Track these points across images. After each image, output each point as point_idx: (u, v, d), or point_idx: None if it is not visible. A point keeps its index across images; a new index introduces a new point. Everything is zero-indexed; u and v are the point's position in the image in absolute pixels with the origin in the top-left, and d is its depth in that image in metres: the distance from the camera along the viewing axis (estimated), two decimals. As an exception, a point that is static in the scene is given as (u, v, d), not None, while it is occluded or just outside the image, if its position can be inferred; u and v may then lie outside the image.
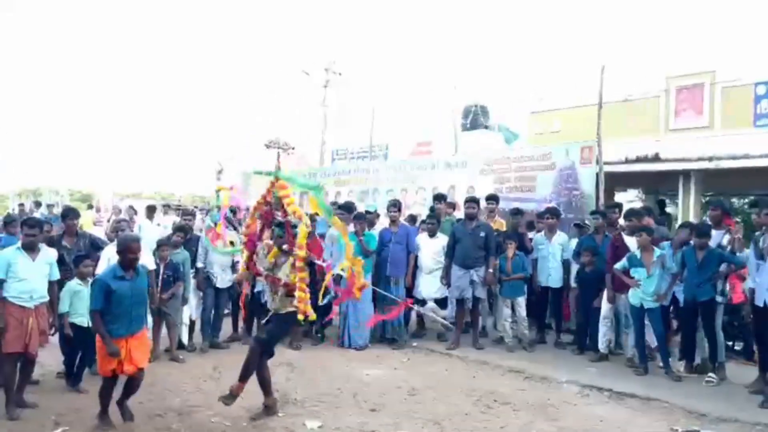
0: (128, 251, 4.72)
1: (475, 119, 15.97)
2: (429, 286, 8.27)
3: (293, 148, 5.60)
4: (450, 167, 12.59)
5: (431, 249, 8.34)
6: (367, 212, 8.52)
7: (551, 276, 8.14)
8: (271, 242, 5.29)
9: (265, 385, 5.18)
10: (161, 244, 7.12)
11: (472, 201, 8.32)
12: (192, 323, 7.70)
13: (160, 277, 6.93)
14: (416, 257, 8.31)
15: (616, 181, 11.75)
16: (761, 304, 5.83)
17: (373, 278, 7.83)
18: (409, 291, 8.24)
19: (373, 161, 15.98)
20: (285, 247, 5.12)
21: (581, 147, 10.03)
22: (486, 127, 16.06)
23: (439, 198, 9.71)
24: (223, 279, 7.66)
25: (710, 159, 10.73)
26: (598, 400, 5.87)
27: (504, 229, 8.62)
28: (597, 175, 9.48)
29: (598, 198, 9.33)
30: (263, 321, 5.31)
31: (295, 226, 5.07)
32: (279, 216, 5.27)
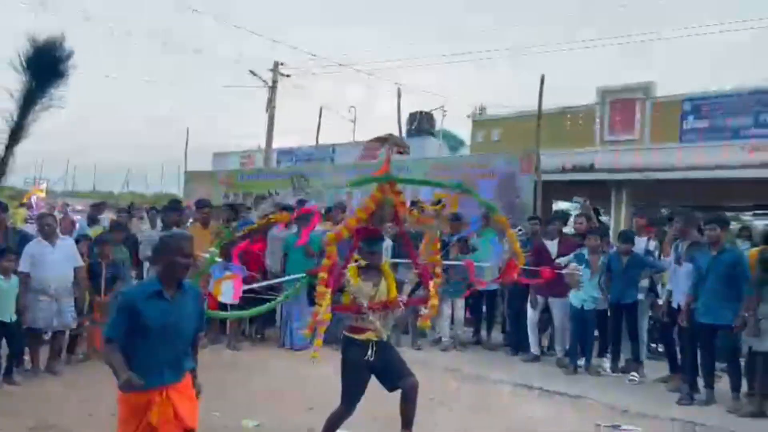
0: (177, 253, 3.06)
1: (420, 125, 16.25)
2: (370, 287, 8.38)
3: (407, 148, 4.98)
4: (395, 172, 12.79)
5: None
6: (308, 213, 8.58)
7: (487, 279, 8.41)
8: (357, 266, 4.21)
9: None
10: (103, 241, 6.96)
11: (413, 204, 8.47)
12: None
13: (103, 277, 6.77)
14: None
15: (554, 191, 12.21)
16: (676, 306, 6.24)
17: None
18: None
19: (319, 164, 16.02)
20: (377, 258, 4.20)
21: (521, 156, 10.42)
22: (431, 134, 16.36)
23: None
24: None
25: (640, 171, 11.32)
26: (528, 399, 6.12)
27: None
28: (535, 183, 9.85)
29: (535, 206, 9.69)
30: (366, 358, 4.10)
31: (415, 236, 4.56)
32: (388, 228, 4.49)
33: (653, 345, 7.75)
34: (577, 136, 12.78)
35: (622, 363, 7.07)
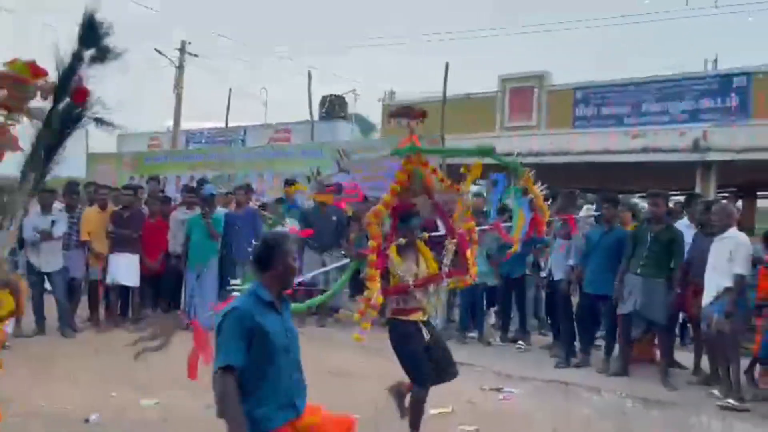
0: (291, 257, 2.76)
1: (331, 109, 16.36)
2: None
3: (424, 114, 4.41)
4: (306, 155, 12.91)
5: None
6: (211, 195, 8.57)
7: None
8: (396, 244, 4.10)
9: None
10: None
11: (323, 185, 8.79)
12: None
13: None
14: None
15: (458, 175, 12.74)
16: (555, 279, 6.82)
17: (219, 261, 7.92)
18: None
19: (229, 146, 15.81)
20: (425, 235, 4.24)
21: (427, 140, 10.78)
22: (343, 118, 16.52)
23: (287, 183, 9.94)
24: (49, 262, 7.31)
25: (536, 155, 12.02)
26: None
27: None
28: (441, 167, 10.25)
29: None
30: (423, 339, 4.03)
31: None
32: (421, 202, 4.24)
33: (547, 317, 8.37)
34: (480, 122, 13.36)
35: (512, 334, 7.61)
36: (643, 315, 5.92)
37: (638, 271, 5.94)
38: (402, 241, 4.09)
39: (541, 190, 4.88)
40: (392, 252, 4.01)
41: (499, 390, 5.71)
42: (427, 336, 4.02)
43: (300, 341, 2.84)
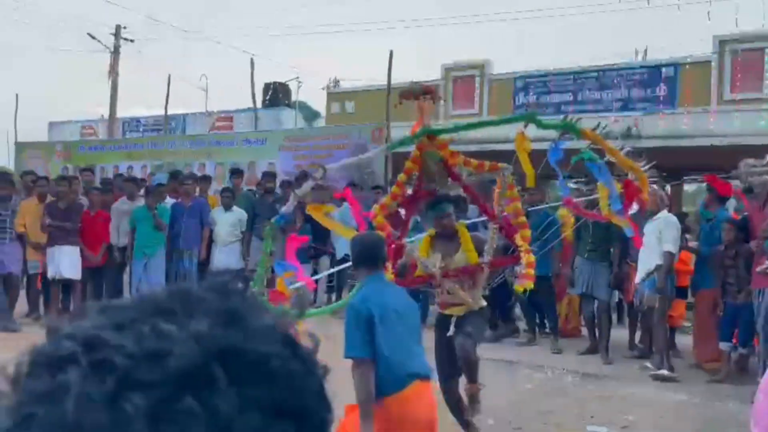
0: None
1: (275, 96, 16.19)
2: (225, 258, 8.44)
3: (431, 91, 4.16)
4: (250, 143, 12.78)
5: (227, 222, 8.50)
6: (159, 185, 8.41)
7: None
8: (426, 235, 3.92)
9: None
10: None
11: (269, 175, 8.78)
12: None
13: None
14: (211, 231, 8.41)
15: (403, 162, 12.89)
16: None
17: (166, 252, 7.79)
18: (204, 264, 8.33)
19: (169, 135, 15.41)
20: (461, 222, 3.96)
21: (372, 129, 10.89)
22: (287, 105, 16.37)
23: (235, 172, 9.84)
24: None
25: (479, 143, 12.30)
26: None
27: None
28: (386, 156, 10.37)
29: (386, 176, 10.22)
30: (447, 334, 3.76)
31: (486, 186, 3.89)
32: (439, 187, 3.98)
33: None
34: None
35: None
36: (590, 295, 6.32)
37: (585, 255, 6.31)
38: (431, 231, 3.90)
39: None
40: (423, 242, 3.89)
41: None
42: (450, 331, 3.71)
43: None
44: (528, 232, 3.89)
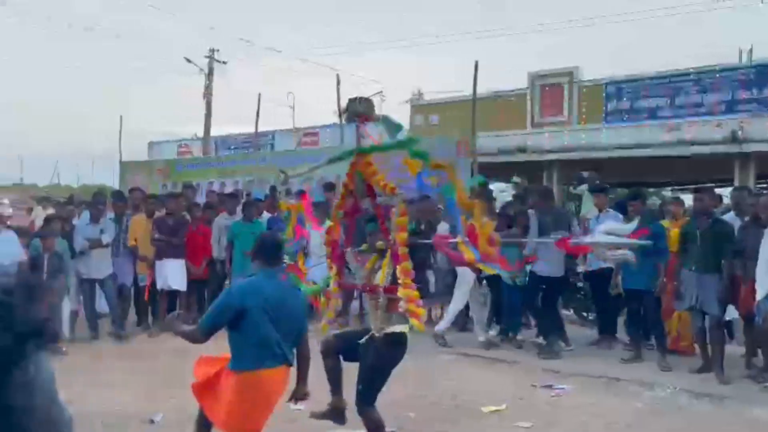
0: None
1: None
2: (318, 272, 8.59)
3: (378, 117, 4.32)
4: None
5: (320, 236, 8.67)
6: (257, 200, 8.71)
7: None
8: (358, 250, 4.08)
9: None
10: (46, 235, 6.89)
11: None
12: (74, 315, 7.52)
13: (45, 268, 6.71)
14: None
15: (489, 173, 12.75)
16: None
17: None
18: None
19: (258, 151, 15.97)
20: (380, 243, 3.91)
21: (458, 140, 10.83)
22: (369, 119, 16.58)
23: (327, 187, 10.02)
24: (99, 269, 7.51)
25: (568, 151, 11.98)
26: (471, 366, 6.54)
27: None
28: (472, 165, 10.28)
29: (473, 188, 10.11)
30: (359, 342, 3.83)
31: (388, 209, 3.98)
32: (368, 205, 4.17)
33: (584, 314, 8.36)
34: (511, 120, 13.34)
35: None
36: (700, 310, 5.96)
37: (692, 267, 5.97)
38: (363, 246, 4.00)
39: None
40: (350, 251, 4.13)
41: (549, 387, 5.73)
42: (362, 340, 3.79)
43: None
44: (408, 265, 3.62)
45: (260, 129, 17.60)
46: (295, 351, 3.43)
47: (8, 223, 9.84)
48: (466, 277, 7.07)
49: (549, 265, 6.80)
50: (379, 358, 3.74)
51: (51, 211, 9.73)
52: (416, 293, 3.56)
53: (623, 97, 12.49)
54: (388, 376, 3.84)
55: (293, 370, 3.48)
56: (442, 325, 7.31)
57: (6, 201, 16.99)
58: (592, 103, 12.75)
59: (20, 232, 7.22)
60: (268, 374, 3.26)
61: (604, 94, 12.66)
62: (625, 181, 14.01)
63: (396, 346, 3.76)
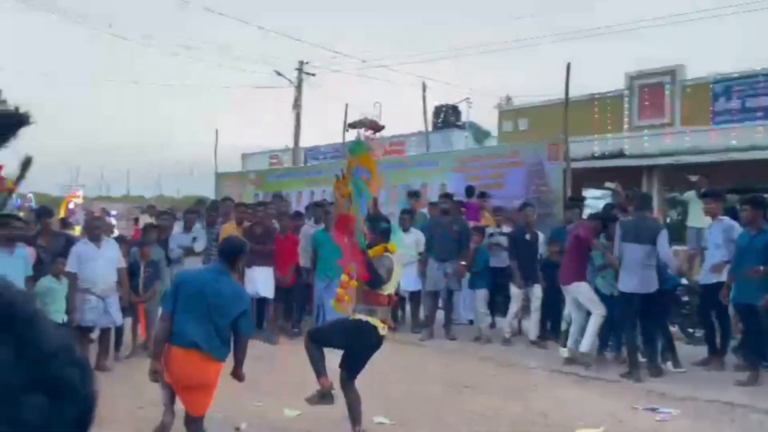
0: None
1: (446, 118, 16.26)
2: (403, 280, 8.48)
3: (382, 127, 4.63)
4: (422, 166, 12.89)
5: (405, 243, 8.56)
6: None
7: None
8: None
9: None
10: (143, 244, 7.19)
11: (445, 197, 8.74)
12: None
13: (142, 276, 7.00)
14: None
15: (583, 178, 12.15)
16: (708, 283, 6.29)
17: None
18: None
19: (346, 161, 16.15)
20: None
21: (549, 144, 10.37)
22: (457, 126, 16.37)
23: (412, 195, 9.92)
24: None
25: (671, 155, 11.16)
26: (565, 384, 6.14)
27: (492, 224, 8.88)
28: (564, 171, 9.81)
29: (565, 194, 9.65)
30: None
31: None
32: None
33: (690, 330, 7.69)
34: (606, 123, 12.67)
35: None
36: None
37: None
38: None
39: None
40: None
41: (653, 410, 5.25)
42: None
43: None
44: (355, 267, 4.27)
45: (347, 139, 17.81)
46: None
47: (115, 231, 10.50)
48: (586, 292, 6.70)
49: (637, 281, 6.21)
50: (347, 338, 4.41)
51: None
52: (351, 281, 4.31)
53: (732, 95, 11.52)
54: (361, 359, 4.47)
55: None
56: (585, 346, 6.65)
57: (114, 213, 18.18)
58: (697, 103, 11.85)
59: (121, 240, 7.58)
60: (176, 352, 3.82)
61: (710, 93, 11.73)
62: (735, 186, 12.87)
63: (362, 332, 4.34)
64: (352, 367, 4.46)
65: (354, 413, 4.45)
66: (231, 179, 16.86)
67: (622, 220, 6.69)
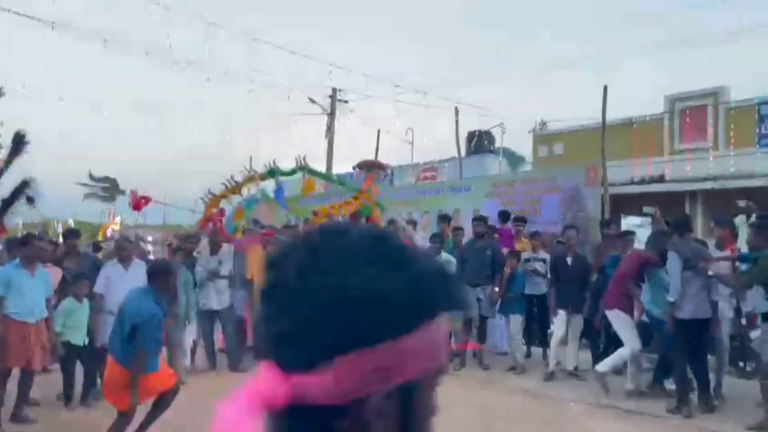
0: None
1: (479, 144, 16.07)
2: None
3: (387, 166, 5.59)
4: (455, 191, 12.67)
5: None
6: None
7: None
8: None
9: None
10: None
11: (479, 220, 8.52)
12: (194, 345, 7.67)
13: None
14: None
15: (622, 204, 11.76)
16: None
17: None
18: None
19: (378, 185, 16.07)
20: None
21: (587, 168, 10.06)
22: (491, 152, 16.15)
23: (443, 219, 9.71)
24: (218, 300, 7.65)
25: (715, 179, 10.71)
26: (605, 417, 5.76)
27: (528, 248, 8.59)
28: (602, 196, 9.49)
29: (602, 215, 9.29)
30: None
31: None
32: None
33: (740, 363, 7.19)
34: (645, 147, 12.27)
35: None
36: None
37: None
38: None
39: None
40: None
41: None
42: None
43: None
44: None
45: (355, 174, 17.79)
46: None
47: (150, 257, 10.51)
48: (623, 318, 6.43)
49: (695, 306, 5.83)
50: None
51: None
52: None
53: (781, 117, 11.05)
54: None
55: None
56: (603, 366, 6.42)
57: (150, 239, 18.43)
58: (741, 126, 11.39)
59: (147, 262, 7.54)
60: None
61: (756, 116, 11.27)
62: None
63: None
64: None
65: None
66: (264, 204, 16.90)
67: (674, 244, 6.23)
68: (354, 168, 4.85)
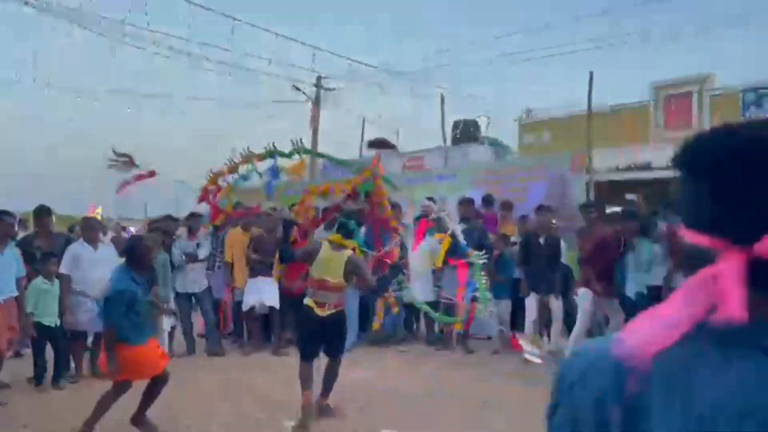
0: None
1: (464, 133, 15.95)
2: (421, 288, 8.15)
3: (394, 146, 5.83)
4: (441, 180, 12.56)
5: (420, 254, 8.27)
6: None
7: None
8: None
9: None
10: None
11: (466, 203, 8.51)
12: (172, 330, 7.48)
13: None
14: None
15: (607, 191, 11.71)
16: None
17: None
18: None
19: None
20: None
21: (572, 155, 9.99)
22: (476, 140, 16.04)
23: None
24: (195, 283, 7.50)
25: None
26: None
27: (514, 234, 8.52)
28: (587, 184, 9.42)
29: (584, 204, 9.21)
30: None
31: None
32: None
33: None
34: (631, 134, 12.23)
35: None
36: None
37: None
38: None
39: None
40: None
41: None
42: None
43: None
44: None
45: (365, 154, 17.61)
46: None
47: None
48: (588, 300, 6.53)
49: None
50: (302, 328, 5.28)
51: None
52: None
53: (765, 105, 11.05)
54: (317, 337, 4.92)
55: None
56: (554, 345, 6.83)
57: (132, 229, 18.11)
58: (726, 114, 11.37)
59: (116, 244, 7.37)
60: None
61: (741, 103, 11.27)
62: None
63: (304, 314, 4.97)
64: (325, 349, 4.97)
65: (326, 386, 5.02)
66: (249, 193, 16.67)
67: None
68: (368, 146, 5.26)
